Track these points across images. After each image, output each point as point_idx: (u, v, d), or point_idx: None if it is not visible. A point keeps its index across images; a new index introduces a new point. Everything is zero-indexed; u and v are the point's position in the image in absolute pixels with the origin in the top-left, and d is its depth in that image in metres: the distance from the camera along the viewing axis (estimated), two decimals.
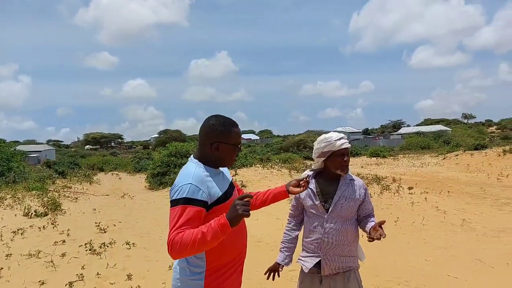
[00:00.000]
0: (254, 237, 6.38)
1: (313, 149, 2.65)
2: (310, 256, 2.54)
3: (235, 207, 1.73)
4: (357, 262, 2.60)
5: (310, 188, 2.57)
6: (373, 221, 2.52)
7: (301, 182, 2.36)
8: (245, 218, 1.81)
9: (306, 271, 2.54)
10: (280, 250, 2.70)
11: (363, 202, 2.57)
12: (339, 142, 2.47)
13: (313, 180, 2.60)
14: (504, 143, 27.42)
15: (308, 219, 2.60)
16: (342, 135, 2.56)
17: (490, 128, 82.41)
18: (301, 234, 2.73)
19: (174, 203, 1.86)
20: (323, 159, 2.53)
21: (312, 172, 2.65)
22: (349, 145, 2.54)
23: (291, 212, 2.75)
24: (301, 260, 2.61)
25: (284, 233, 2.74)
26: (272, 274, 2.66)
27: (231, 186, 2.14)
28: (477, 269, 5.13)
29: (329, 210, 2.48)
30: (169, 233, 1.80)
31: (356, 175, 3.04)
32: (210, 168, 2.03)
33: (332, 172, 2.53)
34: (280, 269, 2.67)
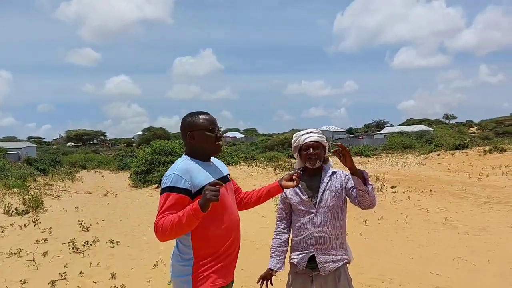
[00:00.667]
0: None
1: None
2: (302, 253, 2.53)
3: (204, 192, 1.88)
4: (348, 255, 2.60)
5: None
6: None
7: (293, 176, 2.42)
8: (239, 214, 2.15)
9: (301, 268, 2.52)
10: (271, 256, 2.66)
11: (349, 187, 2.55)
12: (304, 136, 2.58)
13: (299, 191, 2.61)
14: (484, 143, 27.98)
15: (296, 218, 2.59)
16: (312, 130, 2.62)
17: (471, 128, 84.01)
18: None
19: (161, 191, 2.05)
20: (297, 154, 2.64)
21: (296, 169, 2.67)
22: (318, 138, 2.57)
23: (279, 215, 2.72)
24: (294, 258, 2.58)
25: (274, 238, 2.70)
26: (265, 282, 2.60)
27: (224, 179, 2.24)
28: (459, 266, 5.23)
29: (317, 204, 2.50)
30: (156, 218, 1.99)
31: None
32: (199, 161, 2.18)
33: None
34: (274, 274, 2.63)
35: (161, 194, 2.05)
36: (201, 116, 2.19)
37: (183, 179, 2.02)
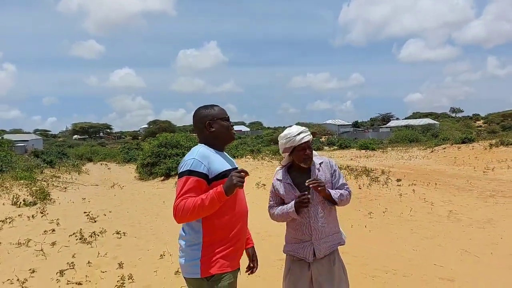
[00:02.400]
0: None
1: None
2: (303, 247, 2.59)
3: (231, 177, 2.05)
4: (342, 237, 2.72)
5: (288, 183, 2.65)
6: (338, 191, 2.61)
7: (302, 198, 2.48)
8: (246, 202, 2.34)
9: (308, 260, 2.58)
10: (284, 209, 2.60)
11: (333, 178, 2.67)
12: (298, 137, 2.56)
13: (287, 175, 2.69)
14: (490, 137, 27.82)
15: None
16: (302, 128, 2.63)
17: (477, 122, 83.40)
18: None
19: (180, 175, 2.15)
20: (288, 154, 2.65)
21: (283, 167, 2.75)
22: (310, 137, 2.62)
23: (270, 207, 2.75)
24: (294, 252, 2.64)
25: (272, 213, 2.71)
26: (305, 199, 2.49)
27: (234, 169, 2.31)
28: (463, 258, 5.26)
29: (311, 198, 2.53)
30: (175, 200, 2.08)
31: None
32: (214, 150, 2.29)
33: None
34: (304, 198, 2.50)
35: (179, 177, 2.14)
36: (215, 107, 2.34)
37: (202, 164, 2.13)
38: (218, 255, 2.16)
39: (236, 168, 2.35)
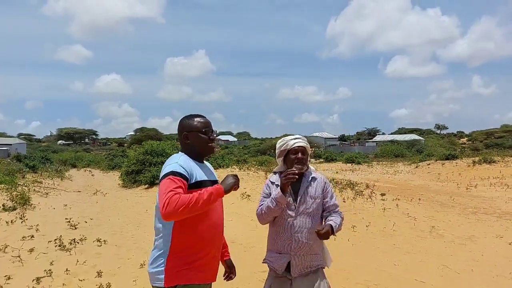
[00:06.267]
0: (227, 237, 6.37)
1: None
2: (280, 258, 2.56)
3: (228, 177, 2.16)
4: (324, 261, 2.67)
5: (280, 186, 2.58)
6: (332, 219, 2.54)
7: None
8: (223, 214, 2.33)
9: (279, 273, 2.55)
10: (270, 202, 2.55)
11: (324, 197, 2.65)
12: (293, 141, 2.64)
13: (280, 179, 2.60)
14: (474, 154, 28.32)
15: (276, 221, 2.61)
16: (299, 136, 2.71)
17: (462, 139, 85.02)
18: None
19: (163, 177, 2.09)
20: (282, 158, 2.69)
21: (276, 174, 2.74)
22: (305, 144, 2.66)
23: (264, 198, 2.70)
24: (269, 261, 2.63)
25: (259, 210, 2.65)
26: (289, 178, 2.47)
27: (214, 182, 2.29)
28: (444, 274, 5.29)
29: (296, 208, 2.55)
30: (165, 195, 1.95)
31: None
32: (192, 160, 2.27)
33: None
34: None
35: (162, 179, 2.08)
36: (196, 119, 2.30)
37: (184, 169, 2.13)
38: (186, 266, 2.11)
39: (215, 181, 2.33)
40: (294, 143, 2.63)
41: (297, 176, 2.48)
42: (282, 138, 2.74)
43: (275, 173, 2.76)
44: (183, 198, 1.94)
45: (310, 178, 2.66)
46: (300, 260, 2.53)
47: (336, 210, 2.66)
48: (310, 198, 2.58)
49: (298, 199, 2.57)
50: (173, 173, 2.07)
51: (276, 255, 2.59)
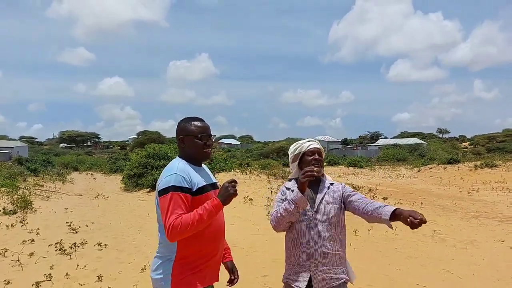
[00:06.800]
0: (229, 241, 6.35)
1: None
2: (299, 272, 2.38)
3: (226, 188, 2.08)
4: (348, 274, 2.47)
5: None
6: (386, 205, 2.29)
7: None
8: (224, 217, 2.29)
9: (293, 286, 2.39)
10: (287, 205, 2.36)
11: (351, 198, 2.44)
12: (308, 143, 2.53)
13: (296, 185, 2.42)
14: (475, 158, 28.26)
15: (293, 229, 2.44)
16: (312, 139, 2.59)
17: (464, 143, 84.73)
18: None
19: (163, 192, 2.07)
20: (297, 162, 2.54)
21: (291, 180, 2.58)
22: (320, 146, 2.54)
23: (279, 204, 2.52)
24: (289, 280, 2.43)
25: (274, 215, 2.46)
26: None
27: (214, 186, 2.32)
28: (445, 278, 5.26)
29: (314, 215, 2.39)
30: (166, 218, 2.00)
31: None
32: (191, 165, 2.25)
33: None
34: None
35: (163, 194, 2.06)
36: (193, 123, 2.26)
37: (185, 178, 2.10)
38: (190, 272, 2.12)
39: (214, 183, 2.32)
40: (309, 145, 2.52)
41: (315, 174, 2.28)
42: (295, 143, 2.62)
43: (290, 179, 2.61)
44: (185, 222, 1.97)
45: (327, 184, 2.51)
46: (322, 274, 2.35)
47: (368, 200, 2.42)
48: (328, 204, 2.42)
49: (316, 205, 2.41)
50: (174, 188, 2.05)
51: (295, 270, 2.41)
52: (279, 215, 2.38)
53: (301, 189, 2.30)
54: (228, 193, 2.07)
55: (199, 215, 2.00)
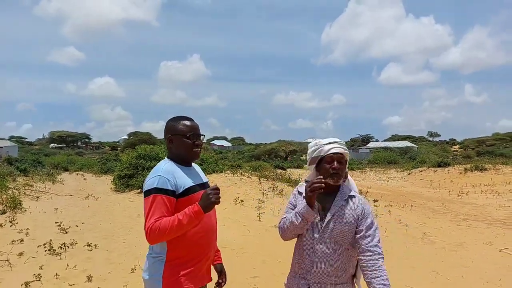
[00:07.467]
0: (219, 242, 6.34)
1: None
2: (298, 280, 2.21)
3: (207, 195, 1.99)
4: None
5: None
6: (376, 279, 2.05)
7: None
8: (216, 218, 2.25)
9: None
10: (294, 217, 2.14)
11: (358, 237, 2.11)
12: (328, 146, 2.18)
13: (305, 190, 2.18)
14: (465, 162, 28.57)
15: (301, 237, 2.22)
16: (336, 140, 2.23)
17: (454, 147, 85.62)
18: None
19: (146, 193, 2.06)
20: (314, 166, 2.24)
21: (307, 182, 2.19)
22: (343, 150, 2.19)
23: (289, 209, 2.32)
24: (287, 284, 2.28)
25: (281, 222, 2.26)
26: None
27: (205, 185, 2.28)
28: (435, 280, 5.31)
29: (320, 230, 2.13)
30: (147, 220, 1.99)
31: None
32: (179, 165, 2.21)
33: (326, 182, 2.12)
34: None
35: (146, 195, 2.05)
36: (182, 122, 2.22)
37: (169, 180, 2.06)
38: (182, 272, 2.11)
39: (204, 183, 2.29)
40: (330, 149, 2.15)
41: (323, 186, 2.01)
42: (316, 141, 2.26)
43: (306, 181, 2.25)
44: (164, 226, 1.94)
45: (346, 196, 2.18)
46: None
47: (375, 251, 2.07)
48: (339, 223, 2.11)
49: (326, 218, 2.12)
50: (157, 190, 2.02)
51: (295, 279, 2.23)
52: (285, 227, 2.19)
53: (309, 203, 2.07)
54: (210, 201, 1.99)
55: (179, 220, 1.96)
